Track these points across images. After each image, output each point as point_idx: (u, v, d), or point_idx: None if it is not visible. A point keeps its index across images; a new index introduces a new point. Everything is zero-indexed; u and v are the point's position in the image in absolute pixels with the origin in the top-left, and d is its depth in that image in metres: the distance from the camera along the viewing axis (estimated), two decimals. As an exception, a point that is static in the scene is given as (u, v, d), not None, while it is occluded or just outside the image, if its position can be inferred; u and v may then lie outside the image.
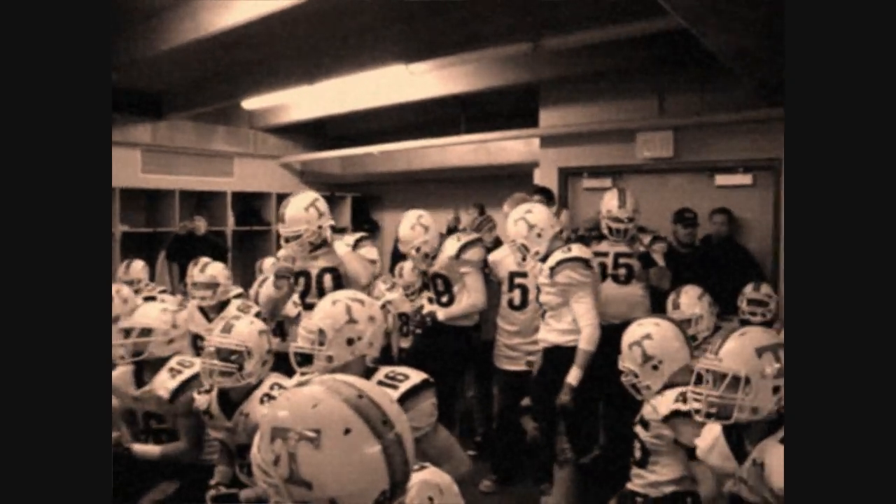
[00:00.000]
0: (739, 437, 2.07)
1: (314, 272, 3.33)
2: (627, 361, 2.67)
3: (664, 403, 2.54)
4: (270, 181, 8.19)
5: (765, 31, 3.17)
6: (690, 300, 3.36)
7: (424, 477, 1.47)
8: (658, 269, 3.96)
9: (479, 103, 6.62)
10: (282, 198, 7.92)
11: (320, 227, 3.30)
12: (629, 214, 3.91)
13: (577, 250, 3.23)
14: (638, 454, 2.66)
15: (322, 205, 3.35)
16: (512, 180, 6.40)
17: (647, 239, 4.05)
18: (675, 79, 5.24)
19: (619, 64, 5.09)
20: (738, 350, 2.01)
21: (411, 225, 3.88)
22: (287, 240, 3.32)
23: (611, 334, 3.85)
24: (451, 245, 3.81)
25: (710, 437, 2.18)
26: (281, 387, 2.57)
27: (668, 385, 2.59)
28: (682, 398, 2.49)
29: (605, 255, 3.92)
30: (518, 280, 3.57)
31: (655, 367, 2.61)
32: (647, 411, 2.63)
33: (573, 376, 3.11)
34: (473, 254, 3.78)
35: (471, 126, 6.69)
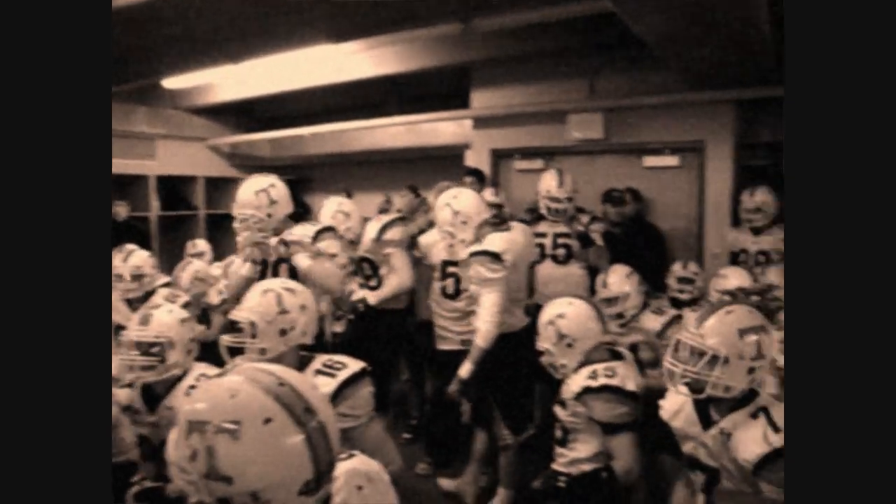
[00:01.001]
0: (706, 405, 2.13)
1: (271, 260, 3.19)
2: (544, 341, 2.74)
3: (576, 381, 2.62)
4: (197, 164, 7.92)
5: (690, 16, 3.22)
6: (619, 279, 3.42)
7: (352, 465, 1.44)
8: (597, 249, 4.01)
9: (410, 84, 6.55)
10: (210, 181, 7.85)
11: (269, 216, 3.14)
12: (568, 194, 3.96)
13: (489, 243, 3.13)
14: (559, 433, 2.73)
15: (277, 192, 3.18)
16: (444, 162, 6.39)
17: (585, 219, 4.10)
18: (605, 61, 5.30)
19: (550, 46, 5.11)
20: (721, 329, 2.05)
21: (332, 213, 3.80)
22: (241, 223, 3.16)
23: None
24: (373, 227, 3.76)
25: (677, 401, 2.24)
26: (208, 378, 2.49)
27: (585, 363, 2.65)
28: (594, 375, 2.56)
29: (544, 235, 3.96)
30: (450, 269, 3.54)
31: (570, 346, 2.68)
32: (564, 391, 2.69)
33: (464, 370, 3.10)
34: (395, 233, 3.74)
35: (403, 108, 6.63)
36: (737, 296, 3.24)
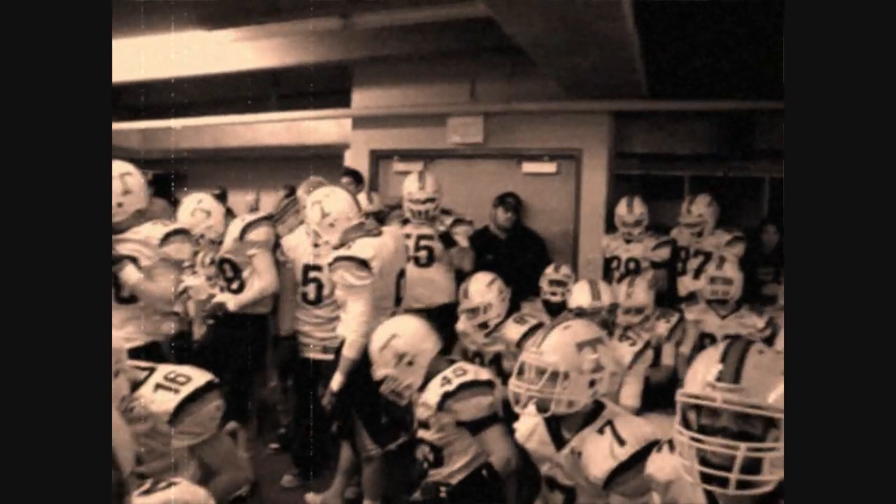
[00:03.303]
0: (558, 424, 2.13)
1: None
2: (382, 368, 2.66)
3: (431, 394, 2.55)
4: (56, 154, 7.32)
5: (560, 24, 3.25)
6: (480, 287, 3.38)
7: (171, 496, 1.30)
8: (459, 250, 4.00)
9: (291, 80, 6.34)
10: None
11: (120, 205, 2.86)
12: (428, 195, 3.93)
13: (357, 248, 3.03)
14: (430, 457, 2.64)
15: (133, 182, 2.92)
16: (323, 162, 6.21)
17: (448, 221, 4.07)
18: (485, 65, 5.31)
19: (431, 47, 5.07)
20: (559, 345, 2.06)
21: (191, 211, 3.55)
22: None
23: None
24: (235, 226, 3.54)
25: (529, 424, 2.23)
26: None
27: (429, 376, 2.60)
28: (446, 380, 2.53)
29: (408, 237, 3.90)
30: (312, 274, 3.38)
31: (411, 363, 2.63)
32: (420, 413, 2.62)
33: (335, 381, 3.01)
34: (259, 233, 3.52)
35: (283, 104, 6.41)
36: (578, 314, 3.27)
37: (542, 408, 2.06)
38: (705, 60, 4.96)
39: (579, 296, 3.43)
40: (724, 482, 1.42)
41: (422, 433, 2.64)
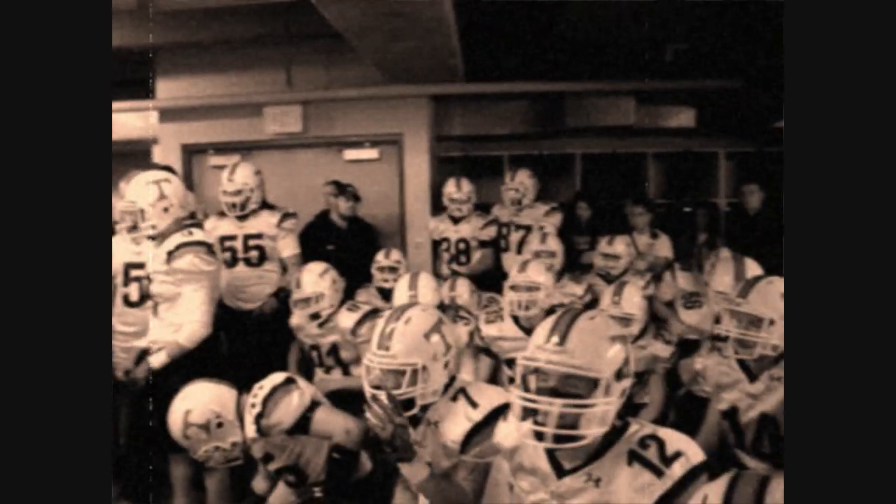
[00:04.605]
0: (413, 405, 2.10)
1: None
2: (200, 447, 2.51)
3: (249, 427, 2.49)
4: None
5: (380, 7, 3.22)
6: (312, 277, 3.30)
7: None
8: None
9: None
10: None
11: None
12: (237, 187, 3.73)
13: (200, 234, 2.93)
14: (293, 479, 2.56)
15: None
16: (126, 159, 5.71)
17: (274, 218, 3.88)
18: (302, 51, 5.17)
19: (243, 32, 4.85)
20: (408, 341, 2.04)
21: None
22: None
23: (246, 321, 3.67)
24: None
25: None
26: None
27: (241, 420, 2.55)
28: (252, 405, 2.47)
29: (234, 238, 3.70)
30: (134, 272, 3.11)
31: (220, 425, 2.51)
32: (255, 452, 2.55)
33: (157, 359, 2.85)
34: None
35: (73, 96, 5.79)
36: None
37: (408, 408, 2.04)
38: (520, 43, 5.17)
39: (398, 293, 3.43)
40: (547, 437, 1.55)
41: (272, 466, 2.53)
